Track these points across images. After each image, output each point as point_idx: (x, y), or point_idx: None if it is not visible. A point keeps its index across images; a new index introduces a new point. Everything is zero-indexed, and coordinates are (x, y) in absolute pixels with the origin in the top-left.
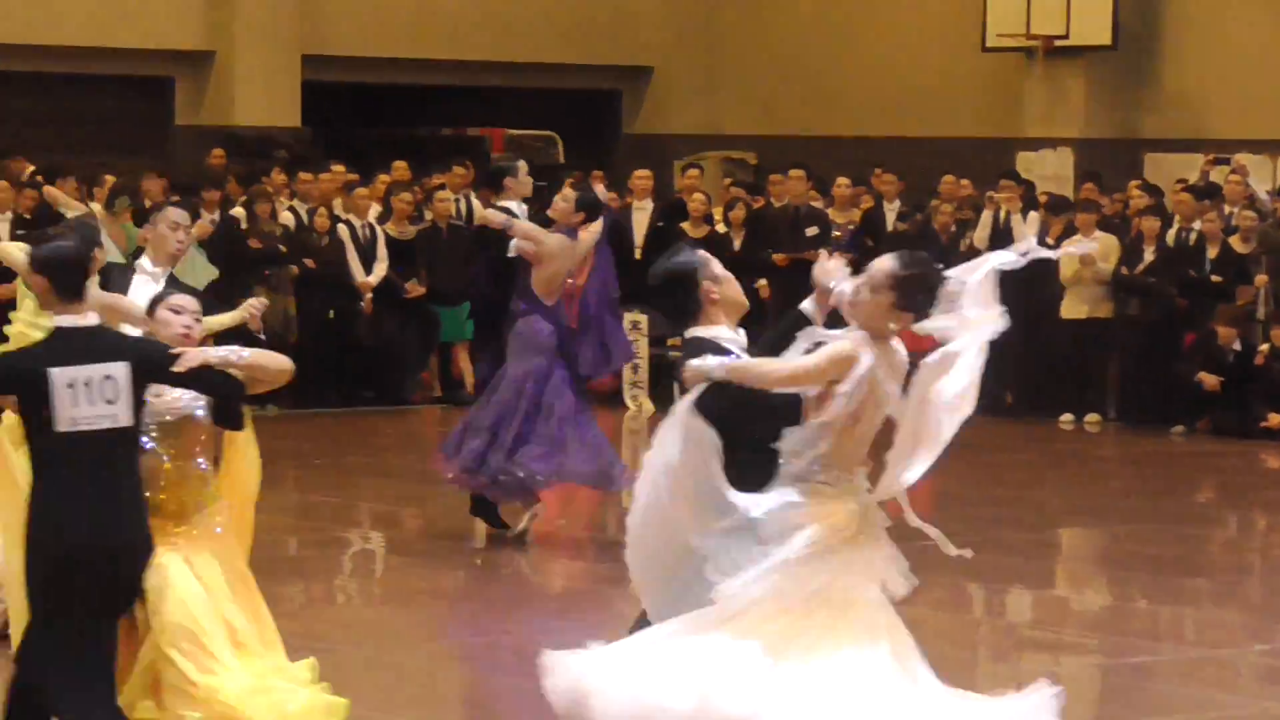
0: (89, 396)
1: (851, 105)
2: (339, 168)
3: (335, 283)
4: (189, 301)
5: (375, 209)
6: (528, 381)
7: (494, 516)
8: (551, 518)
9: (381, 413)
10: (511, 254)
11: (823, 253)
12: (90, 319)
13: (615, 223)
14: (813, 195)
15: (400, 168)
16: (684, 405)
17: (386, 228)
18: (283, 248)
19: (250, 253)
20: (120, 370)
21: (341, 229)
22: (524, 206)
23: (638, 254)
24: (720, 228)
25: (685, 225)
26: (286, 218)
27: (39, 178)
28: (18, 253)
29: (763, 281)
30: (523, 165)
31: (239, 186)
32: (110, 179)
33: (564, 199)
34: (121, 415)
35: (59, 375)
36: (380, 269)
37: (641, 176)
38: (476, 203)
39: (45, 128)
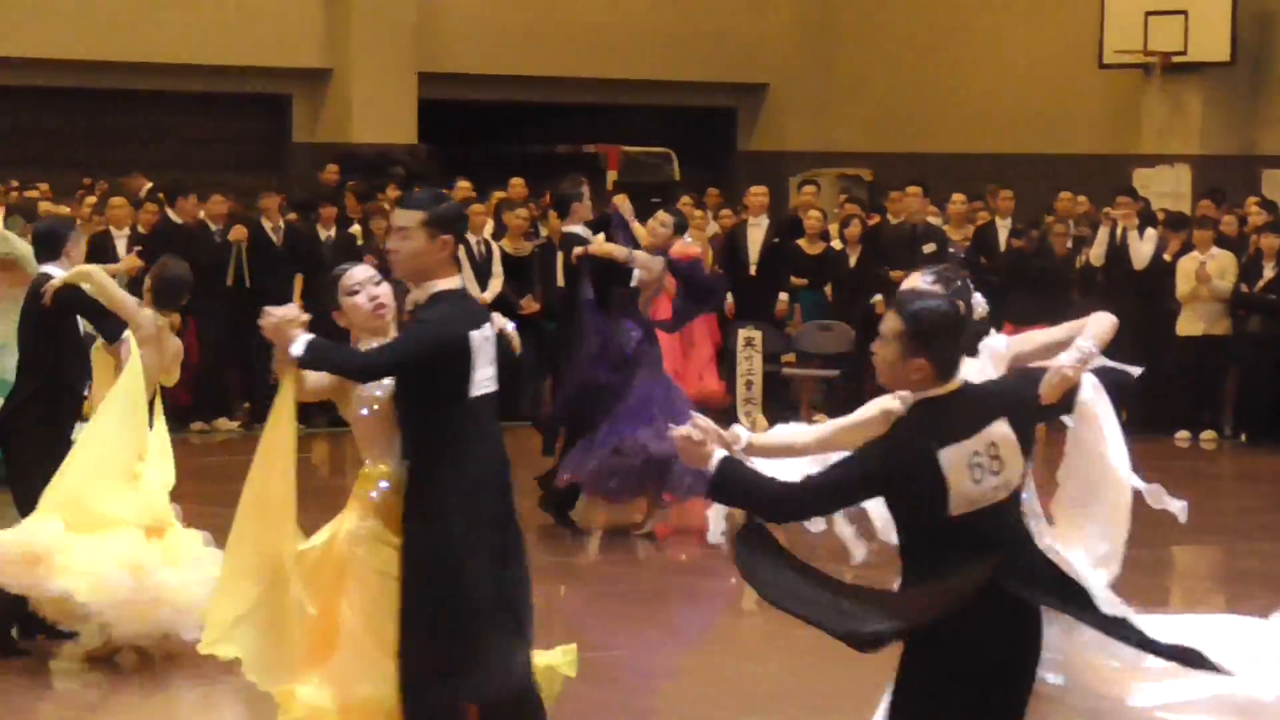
0: (488, 358)
1: (967, 122)
2: (464, 183)
3: None
4: (360, 272)
5: (489, 226)
6: (652, 401)
7: (565, 514)
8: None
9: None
10: (634, 284)
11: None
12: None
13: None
14: (930, 211)
15: (516, 184)
16: None
17: (501, 244)
18: None
19: None
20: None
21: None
22: (588, 230)
23: (752, 270)
24: (836, 244)
25: (801, 242)
26: None
27: (160, 194)
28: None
29: (878, 298)
30: (586, 190)
31: (356, 203)
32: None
33: (663, 224)
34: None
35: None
36: (495, 285)
37: (757, 193)
38: (596, 236)
39: (164, 144)
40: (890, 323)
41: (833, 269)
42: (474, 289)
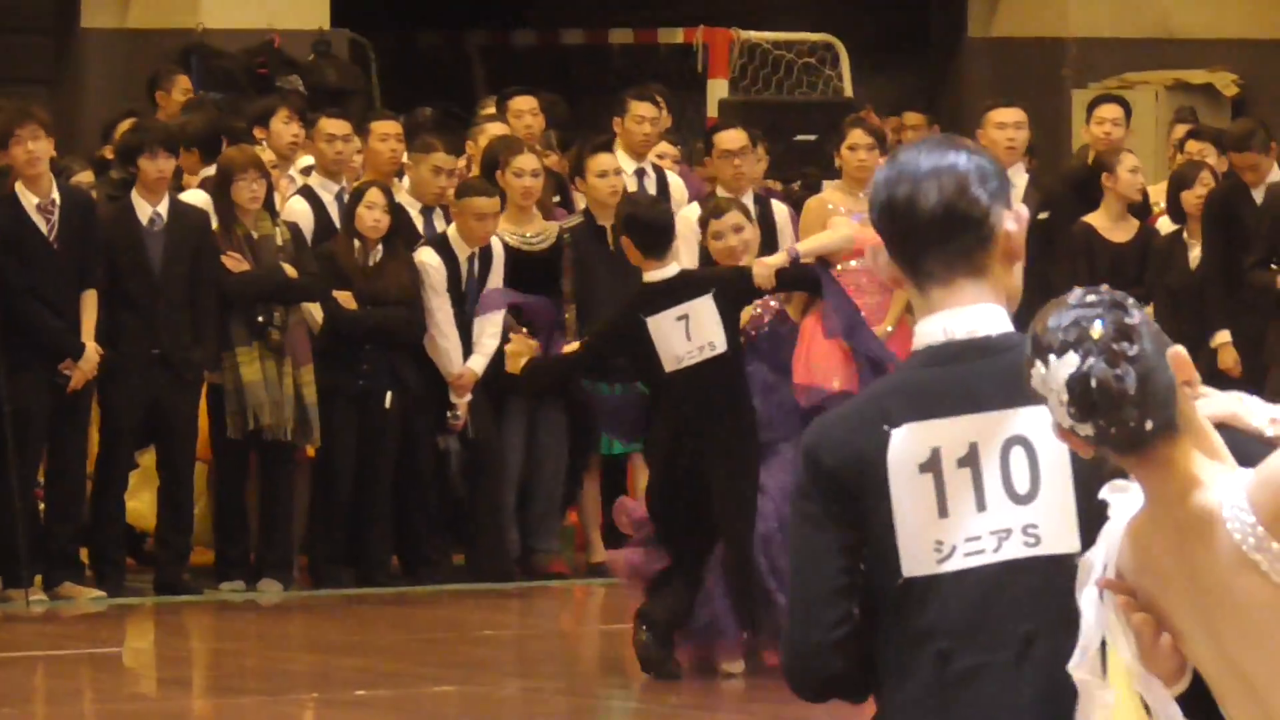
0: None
1: None
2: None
3: (404, 337)
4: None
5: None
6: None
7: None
8: None
9: (487, 594)
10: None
11: None
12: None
13: None
14: None
15: (520, 105)
16: None
17: (503, 232)
18: (289, 269)
19: (227, 280)
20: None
21: (422, 261)
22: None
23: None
24: (1163, 221)
25: (1092, 218)
26: (294, 210)
27: None
28: None
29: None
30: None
31: (199, 152)
32: None
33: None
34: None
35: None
36: (490, 337)
37: (1005, 122)
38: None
39: None
40: None
41: (1156, 271)
42: (454, 359)
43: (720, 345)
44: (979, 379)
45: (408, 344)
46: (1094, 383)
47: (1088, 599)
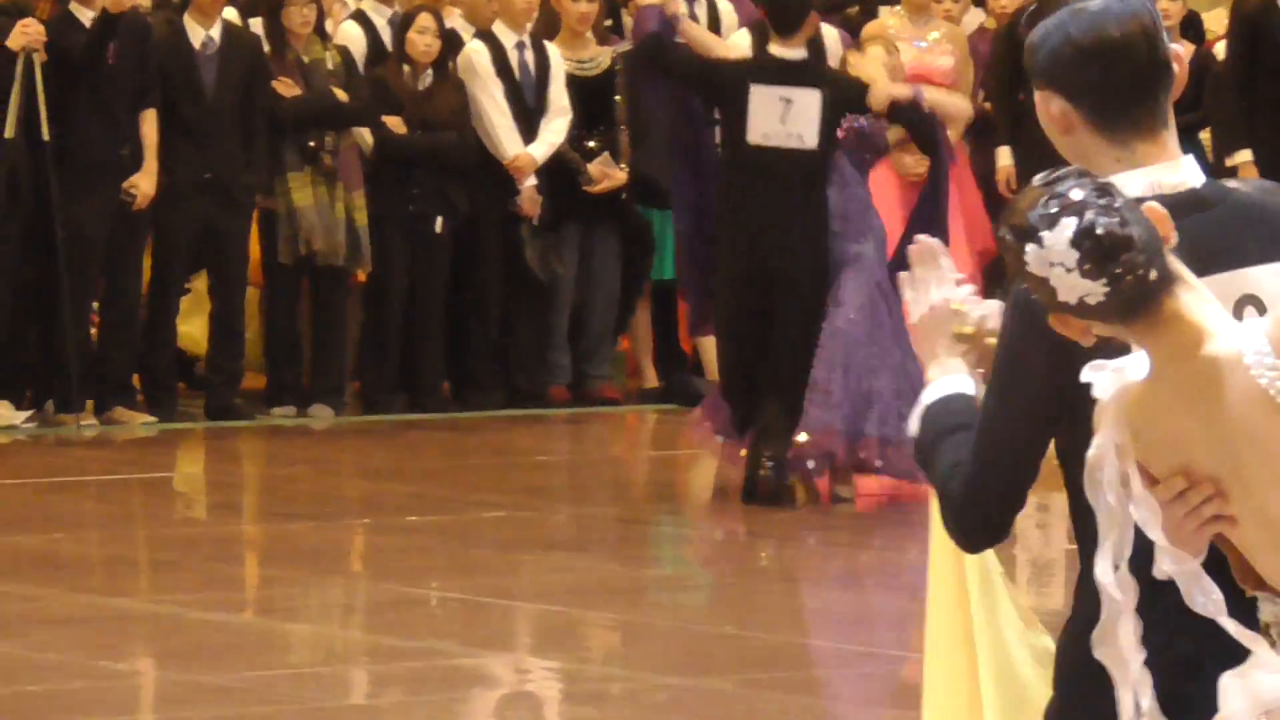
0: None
1: None
2: None
3: (455, 162)
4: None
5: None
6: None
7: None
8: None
9: (538, 422)
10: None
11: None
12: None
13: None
14: None
15: None
16: None
17: (558, 52)
18: (341, 93)
19: (279, 105)
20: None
21: (468, 53)
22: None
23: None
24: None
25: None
26: (347, 34)
27: None
28: None
29: None
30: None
31: None
32: None
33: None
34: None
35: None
36: (554, 131)
37: None
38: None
39: None
40: None
41: (1212, 93)
42: (508, 142)
43: (810, 142)
44: (1199, 239)
45: (458, 169)
46: (1100, 230)
47: (1106, 494)
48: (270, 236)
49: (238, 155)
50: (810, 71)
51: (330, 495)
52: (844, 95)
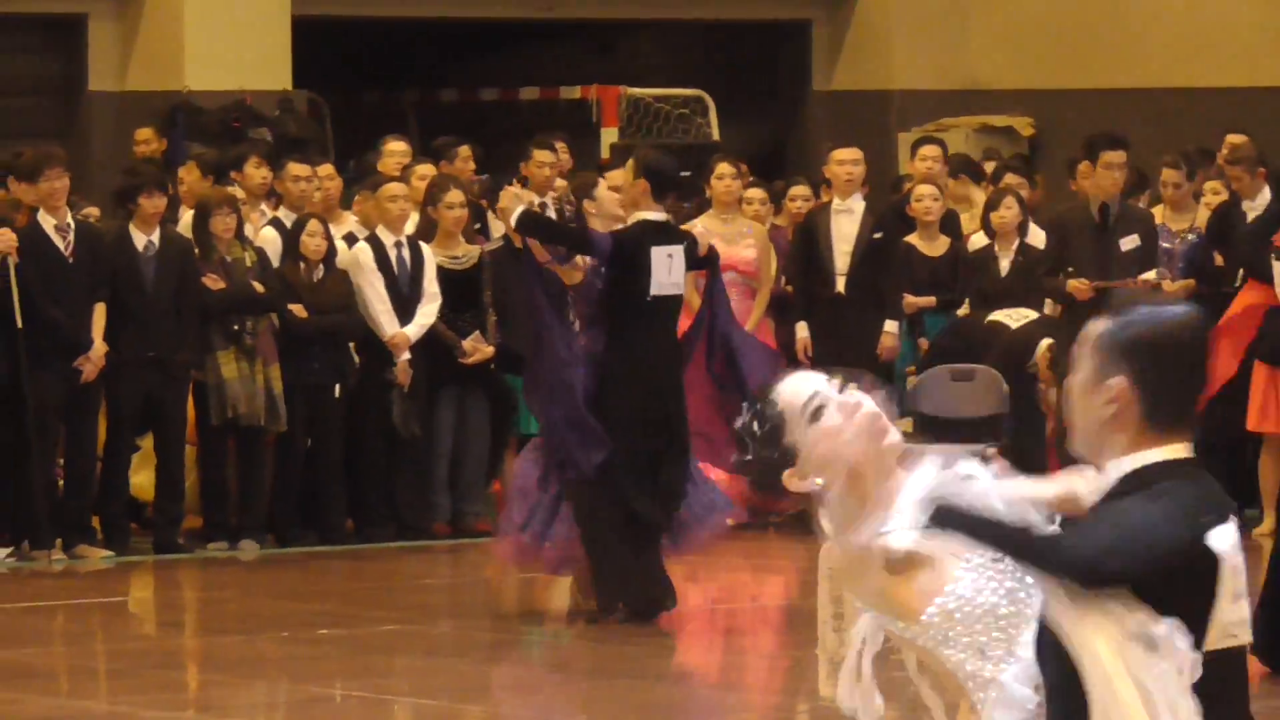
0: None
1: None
2: (396, 145)
3: (344, 340)
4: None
5: (413, 219)
6: None
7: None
8: None
9: (423, 551)
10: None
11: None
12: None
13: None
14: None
15: (459, 154)
16: None
17: (432, 251)
18: (258, 285)
19: (208, 295)
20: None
21: (355, 252)
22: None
23: (839, 285)
24: (976, 239)
25: (914, 238)
26: (265, 237)
27: None
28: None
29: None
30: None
31: (200, 181)
32: None
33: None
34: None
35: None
36: (425, 314)
37: (844, 160)
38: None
39: None
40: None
41: (975, 279)
42: (387, 324)
43: (682, 289)
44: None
45: (348, 344)
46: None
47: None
48: (203, 403)
49: (175, 337)
50: (674, 229)
51: (255, 614)
52: (691, 246)
